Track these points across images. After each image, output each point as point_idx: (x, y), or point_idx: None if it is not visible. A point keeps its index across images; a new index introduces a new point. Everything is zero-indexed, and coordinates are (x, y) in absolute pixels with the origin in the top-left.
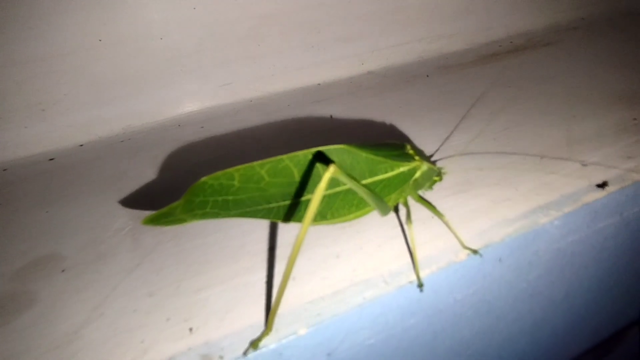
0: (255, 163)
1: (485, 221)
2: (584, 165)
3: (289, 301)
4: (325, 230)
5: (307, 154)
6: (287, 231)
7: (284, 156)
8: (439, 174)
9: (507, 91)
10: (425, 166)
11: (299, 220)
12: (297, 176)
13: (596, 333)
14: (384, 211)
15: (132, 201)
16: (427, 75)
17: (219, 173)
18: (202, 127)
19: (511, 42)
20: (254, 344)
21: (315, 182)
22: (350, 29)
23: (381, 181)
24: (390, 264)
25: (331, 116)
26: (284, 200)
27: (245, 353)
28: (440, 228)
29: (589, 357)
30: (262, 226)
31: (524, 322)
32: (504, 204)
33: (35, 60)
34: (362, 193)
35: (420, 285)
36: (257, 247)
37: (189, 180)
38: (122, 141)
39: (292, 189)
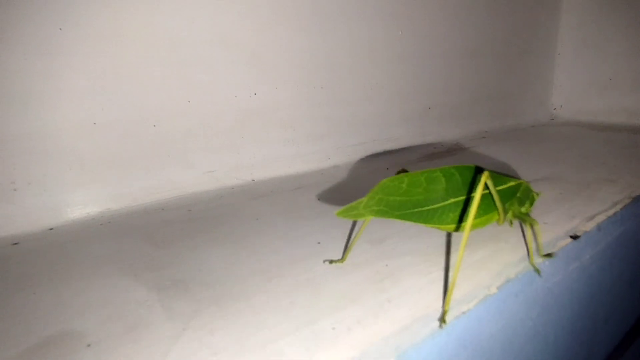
0: (418, 172)
1: (497, 264)
2: (545, 223)
3: (374, 336)
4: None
5: (450, 168)
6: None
7: (437, 169)
8: (537, 193)
9: None
10: (525, 184)
11: (440, 223)
12: (444, 183)
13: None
14: (502, 220)
15: (142, 276)
16: (387, 168)
17: (394, 176)
18: (190, 210)
19: (442, 145)
20: (443, 320)
21: (455, 188)
22: (319, 129)
23: (497, 192)
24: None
25: (318, 198)
26: (433, 204)
27: (440, 326)
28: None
29: None
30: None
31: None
32: (506, 251)
33: (18, 138)
34: (496, 199)
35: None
36: (305, 306)
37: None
38: (101, 224)
39: (439, 195)
